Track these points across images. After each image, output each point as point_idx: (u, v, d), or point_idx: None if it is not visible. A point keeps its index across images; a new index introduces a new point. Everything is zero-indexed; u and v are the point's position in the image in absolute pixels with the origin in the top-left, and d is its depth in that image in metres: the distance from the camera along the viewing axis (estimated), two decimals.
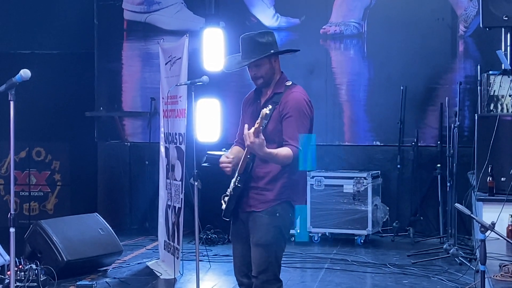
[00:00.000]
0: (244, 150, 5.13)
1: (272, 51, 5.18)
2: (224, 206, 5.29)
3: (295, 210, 5.26)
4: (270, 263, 5.14)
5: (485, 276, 4.63)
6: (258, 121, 4.75)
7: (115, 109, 11.69)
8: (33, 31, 11.52)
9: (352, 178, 10.12)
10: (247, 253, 5.27)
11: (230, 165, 5.16)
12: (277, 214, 5.15)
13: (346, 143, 10.99)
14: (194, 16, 11.36)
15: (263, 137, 4.81)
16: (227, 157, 5.21)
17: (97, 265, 8.57)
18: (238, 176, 5.13)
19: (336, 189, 10.13)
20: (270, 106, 4.91)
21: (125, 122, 11.71)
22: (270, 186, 5.15)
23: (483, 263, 4.55)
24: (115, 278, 8.28)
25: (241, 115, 5.53)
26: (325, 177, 10.20)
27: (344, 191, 10.11)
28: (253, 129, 4.77)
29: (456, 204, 4.84)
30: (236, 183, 5.13)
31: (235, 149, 5.39)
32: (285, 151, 4.99)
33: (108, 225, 8.81)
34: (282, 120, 5.10)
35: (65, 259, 8.06)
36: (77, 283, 7.85)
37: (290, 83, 5.26)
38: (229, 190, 5.23)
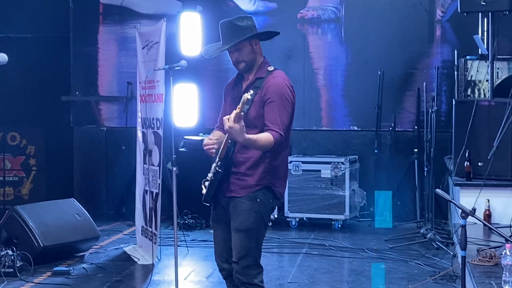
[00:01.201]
0: (225, 135, 5.13)
1: (249, 35, 5.14)
2: (204, 191, 5.26)
3: (276, 196, 5.24)
4: (251, 248, 5.13)
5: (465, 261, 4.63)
6: (239, 106, 4.71)
7: (91, 93, 11.60)
8: (8, 15, 11.40)
9: (329, 163, 10.12)
10: (228, 238, 5.26)
11: (215, 146, 5.11)
12: (258, 200, 5.13)
13: (324, 128, 10.98)
14: (171, 0, 11.28)
15: (243, 123, 4.77)
16: (210, 139, 5.17)
17: (74, 250, 8.53)
18: (218, 161, 5.09)
19: (314, 174, 10.13)
20: (251, 91, 4.85)
21: (101, 107, 11.62)
22: (251, 171, 5.13)
23: (464, 249, 4.55)
24: (92, 263, 8.24)
25: (223, 100, 5.50)
26: (303, 162, 10.19)
27: (322, 176, 10.11)
28: (233, 113, 4.73)
29: (437, 190, 4.83)
30: (217, 168, 5.09)
31: (217, 133, 5.35)
32: (265, 136, 4.96)
33: (84, 210, 8.76)
34: (264, 105, 5.07)
35: (42, 245, 8.00)
36: (54, 268, 7.83)
37: (272, 68, 5.23)
38: (209, 175, 5.20)
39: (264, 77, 5.17)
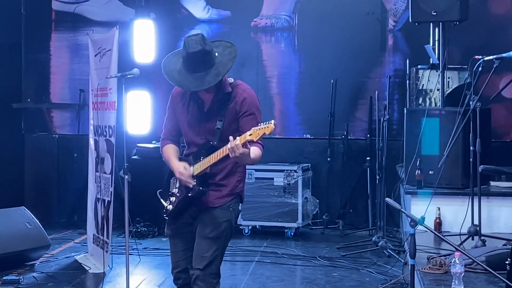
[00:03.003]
0: (177, 147, 5.24)
1: (219, 59, 5.03)
2: (169, 206, 5.23)
3: (242, 200, 5.34)
4: (217, 256, 5.16)
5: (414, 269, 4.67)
6: (254, 133, 4.64)
7: (43, 100, 11.50)
8: None
9: (282, 171, 10.14)
10: (188, 247, 5.24)
11: (191, 180, 5.04)
12: (230, 209, 5.18)
13: (277, 136, 10.99)
14: (124, 7, 11.23)
15: (249, 147, 4.76)
16: (186, 168, 5.07)
17: (24, 259, 8.43)
18: (195, 179, 5.05)
19: (267, 182, 10.15)
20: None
21: (53, 114, 11.52)
22: (225, 181, 5.17)
23: (413, 257, 4.59)
24: (42, 272, 8.16)
25: (168, 108, 5.37)
26: (256, 170, 10.20)
27: (275, 184, 10.13)
28: (242, 140, 4.67)
29: (387, 199, 4.87)
30: (197, 186, 5.05)
31: (172, 150, 5.28)
32: (258, 151, 4.97)
33: (35, 218, 8.67)
34: (240, 118, 5.05)
35: None
36: (4, 278, 7.74)
37: (232, 80, 5.21)
38: (176, 190, 5.20)
39: (230, 91, 5.12)
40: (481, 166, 6.71)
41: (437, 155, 8.14)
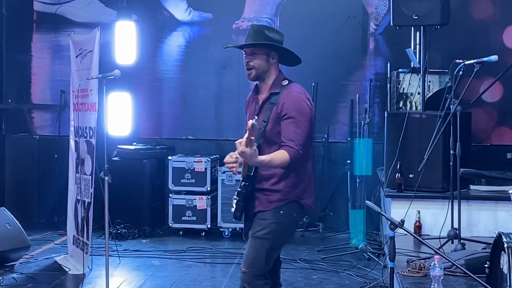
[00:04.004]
0: None
1: (269, 43, 5.17)
2: (232, 208, 5.27)
3: (303, 209, 5.26)
4: (259, 258, 5.12)
5: (394, 272, 4.69)
6: (247, 134, 4.69)
7: (24, 101, 11.45)
8: None
9: None
10: None
11: (235, 164, 5.05)
12: (281, 212, 5.14)
13: None
14: (106, 8, 11.20)
15: (255, 147, 4.77)
16: (231, 156, 5.09)
17: (4, 260, 8.40)
18: (242, 180, 5.12)
19: None
20: (255, 117, 4.82)
21: (34, 115, 11.48)
22: (276, 187, 5.14)
23: (392, 260, 4.60)
24: (22, 273, 8.14)
25: (246, 115, 5.50)
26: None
27: None
28: (244, 138, 4.71)
29: (367, 202, 4.88)
30: (241, 187, 5.13)
31: None
32: (280, 154, 4.95)
33: (15, 219, 8.63)
34: (280, 121, 5.06)
35: None
36: None
37: (287, 82, 5.22)
38: (236, 193, 5.24)
39: (279, 92, 5.16)
40: (461, 169, 6.74)
41: (417, 158, 8.16)
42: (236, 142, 4.78)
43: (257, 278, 5.13)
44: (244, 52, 5.25)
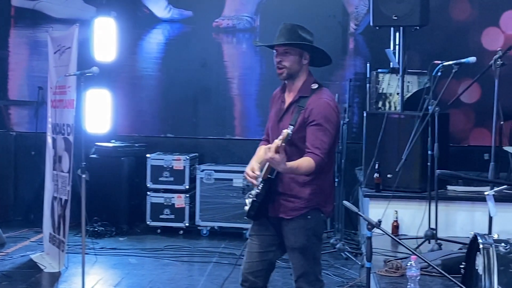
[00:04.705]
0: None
1: (303, 42, 5.11)
2: (246, 207, 5.19)
3: (323, 216, 5.23)
4: (308, 266, 5.15)
5: (370, 272, 4.69)
6: (281, 139, 4.64)
7: (1, 97, 11.37)
8: None
9: (241, 172, 10.03)
10: (264, 252, 5.26)
11: (255, 182, 5.03)
12: (309, 217, 5.10)
13: (237, 137, 10.98)
14: (84, 5, 11.14)
15: (284, 154, 4.69)
16: (253, 170, 5.06)
17: None
18: (262, 181, 5.03)
19: (226, 183, 10.14)
20: (291, 127, 4.82)
21: (11, 111, 11.40)
22: (298, 193, 5.09)
23: (369, 260, 4.60)
24: None
25: (270, 110, 5.43)
26: (215, 171, 10.18)
27: (234, 185, 10.11)
28: (275, 145, 4.65)
29: (344, 202, 4.88)
30: (258, 189, 5.05)
31: (262, 151, 5.14)
32: (306, 162, 4.89)
33: None
34: (306, 126, 4.99)
35: None
36: None
37: (316, 86, 5.14)
38: (253, 192, 5.13)
39: (308, 96, 5.09)
40: (438, 171, 6.74)
41: (395, 158, 8.17)
42: (264, 147, 4.78)
43: (311, 284, 5.17)
44: (275, 51, 5.17)
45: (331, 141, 5.01)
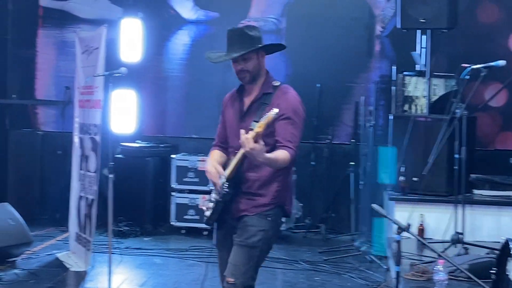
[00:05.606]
0: (225, 154, 5.08)
1: (260, 45, 4.98)
2: (207, 213, 5.04)
3: (285, 215, 5.08)
4: (250, 267, 4.88)
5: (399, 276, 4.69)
6: (261, 125, 4.48)
7: (28, 97, 11.44)
8: None
9: None
10: None
11: (218, 179, 4.90)
12: (268, 218, 4.93)
13: None
14: (112, 5, 11.19)
15: (263, 142, 4.53)
16: (215, 167, 4.94)
17: (6, 255, 8.36)
18: (226, 181, 4.87)
19: None
20: (276, 110, 4.55)
21: (38, 111, 11.47)
22: (263, 190, 4.95)
23: (398, 264, 4.59)
24: (24, 269, 8.11)
25: (221, 115, 5.30)
26: None
27: None
28: (253, 133, 4.49)
29: (373, 205, 4.87)
30: (225, 190, 4.87)
31: (217, 154, 5.16)
32: (283, 154, 4.74)
33: (18, 215, 8.62)
34: (275, 121, 4.73)
35: None
36: None
37: (278, 83, 5.04)
38: (213, 195, 5.01)
39: (271, 92, 4.99)
40: (472, 175, 6.71)
41: (421, 162, 8.14)
42: (242, 137, 4.50)
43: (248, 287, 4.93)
44: (232, 61, 5.05)
45: (300, 135, 4.91)
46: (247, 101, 5.08)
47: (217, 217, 5.02)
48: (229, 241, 5.00)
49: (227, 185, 4.87)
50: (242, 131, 4.54)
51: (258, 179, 4.94)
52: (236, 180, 4.90)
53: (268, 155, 4.62)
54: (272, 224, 4.95)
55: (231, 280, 4.86)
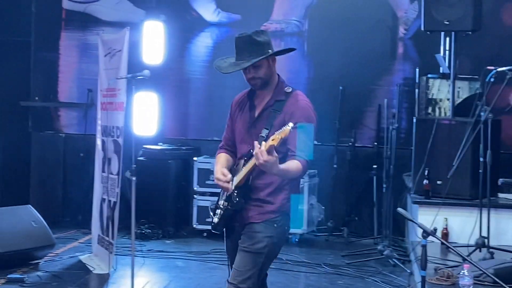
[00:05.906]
0: (232, 157, 5.02)
1: (270, 51, 4.88)
2: (215, 219, 4.96)
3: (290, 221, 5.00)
4: (253, 273, 4.81)
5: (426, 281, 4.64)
6: (275, 138, 4.36)
7: (51, 99, 11.47)
8: None
9: None
10: None
11: (228, 185, 4.81)
12: (275, 225, 4.86)
13: None
14: (134, 8, 11.21)
15: (276, 154, 4.42)
16: (224, 174, 4.85)
17: (29, 258, 8.40)
18: (235, 190, 4.80)
19: None
20: (291, 124, 4.40)
21: (61, 113, 11.49)
22: (271, 198, 4.87)
23: (424, 269, 4.55)
24: (47, 271, 8.14)
25: (228, 117, 5.20)
26: None
27: None
28: (267, 145, 4.37)
29: (399, 209, 4.83)
30: (236, 198, 4.80)
31: (223, 158, 5.08)
32: (295, 165, 4.66)
33: (41, 217, 8.64)
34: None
35: None
36: (8, 276, 7.72)
37: (290, 89, 4.94)
38: (221, 202, 4.93)
39: (284, 99, 4.89)
40: (501, 179, 6.65)
41: (445, 165, 8.08)
42: (256, 149, 4.41)
43: None
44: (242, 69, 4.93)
45: (312, 143, 4.81)
46: (259, 107, 4.99)
47: (224, 224, 4.97)
48: (237, 248, 4.93)
49: (236, 193, 4.81)
50: (256, 143, 4.47)
51: (267, 187, 4.86)
52: (246, 188, 4.83)
53: (281, 166, 4.54)
54: (278, 231, 4.89)
55: (233, 285, 4.81)
